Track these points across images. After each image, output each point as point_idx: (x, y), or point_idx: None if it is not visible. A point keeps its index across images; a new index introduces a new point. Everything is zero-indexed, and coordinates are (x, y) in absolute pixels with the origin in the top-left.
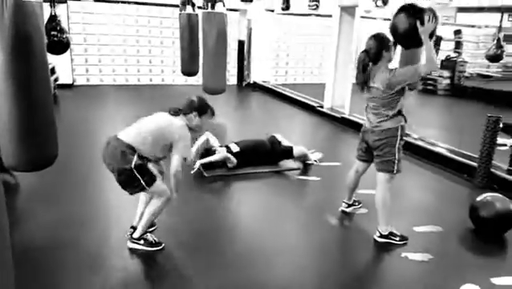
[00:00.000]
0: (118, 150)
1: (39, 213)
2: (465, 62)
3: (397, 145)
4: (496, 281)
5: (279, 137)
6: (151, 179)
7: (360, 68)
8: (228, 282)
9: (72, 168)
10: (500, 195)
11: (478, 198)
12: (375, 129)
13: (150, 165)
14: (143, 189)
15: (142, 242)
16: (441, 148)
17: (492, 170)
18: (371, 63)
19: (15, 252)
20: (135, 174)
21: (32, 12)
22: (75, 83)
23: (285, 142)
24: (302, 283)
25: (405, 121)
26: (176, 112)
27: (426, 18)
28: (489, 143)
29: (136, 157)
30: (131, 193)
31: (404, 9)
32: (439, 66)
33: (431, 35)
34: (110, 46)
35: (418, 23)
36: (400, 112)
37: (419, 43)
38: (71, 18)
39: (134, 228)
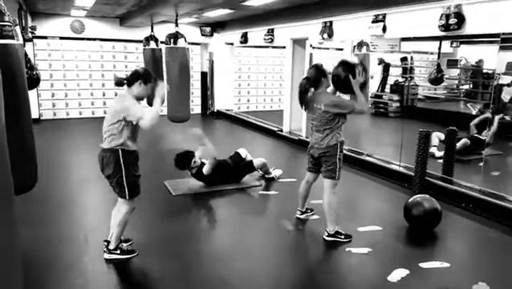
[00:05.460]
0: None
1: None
2: (417, 85)
3: (338, 157)
4: (423, 265)
5: (242, 153)
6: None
7: (301, 91)
8: (197, 278)
9: (45, 197)
10: (427, 196)
11: (409, 200)
12: (319, 146)
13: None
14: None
15: (118, 251)
16: (386, 163)
17: (426, 178)
18: (312, 88)
19: None
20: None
21: (15, 52)
22: (41, 118)
23: (248, 156)
24: (264, 277)
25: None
26: (120, 83)
27: (357, 72)
28: (421, 154)
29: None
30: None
31: (340, 64)
32: (367, 108)
33: (364, 84)
34: (76, 81)
35: (350, 77)
36: (338, 131)
37: (352, 91)
38: (37, 55)
39: (108, 241)
